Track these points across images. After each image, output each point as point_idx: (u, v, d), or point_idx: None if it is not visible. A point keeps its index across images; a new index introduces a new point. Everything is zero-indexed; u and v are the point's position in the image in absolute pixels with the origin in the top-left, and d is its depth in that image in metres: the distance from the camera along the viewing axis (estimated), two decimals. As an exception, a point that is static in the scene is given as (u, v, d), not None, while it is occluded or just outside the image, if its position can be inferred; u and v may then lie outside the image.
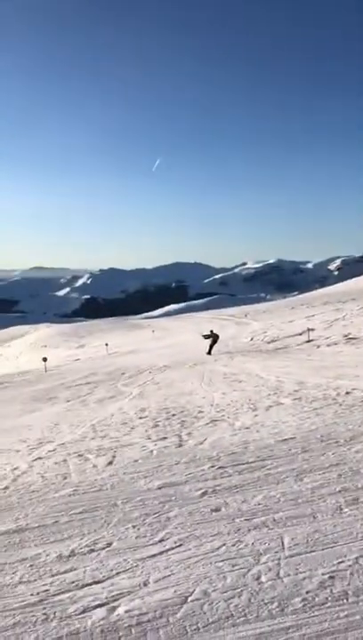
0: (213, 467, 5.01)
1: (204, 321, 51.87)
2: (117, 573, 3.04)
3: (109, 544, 3.47)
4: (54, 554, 3.39)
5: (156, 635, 2.40)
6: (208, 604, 2.61)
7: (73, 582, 2.98)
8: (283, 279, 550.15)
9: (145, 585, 2.86)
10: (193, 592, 2.73)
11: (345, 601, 2.54)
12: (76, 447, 6.74)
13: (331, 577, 2.77)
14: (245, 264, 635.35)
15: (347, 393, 8.62)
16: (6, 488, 5.10)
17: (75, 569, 3.15)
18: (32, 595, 2.88)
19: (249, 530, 3.46)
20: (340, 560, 2.94)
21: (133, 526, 3.73)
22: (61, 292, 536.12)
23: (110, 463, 5.66)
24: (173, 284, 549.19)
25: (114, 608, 2.65)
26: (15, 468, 5.91)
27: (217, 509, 3.89)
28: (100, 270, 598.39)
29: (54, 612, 2.67)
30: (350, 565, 2.87)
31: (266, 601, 2.59)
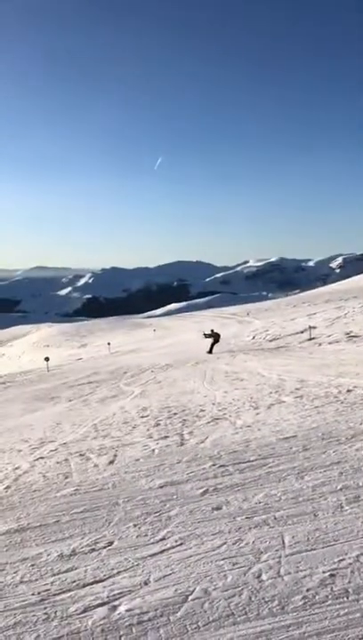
0: (214, 465, 5.01)
1: (206, 320, 51.90)
2: (118, 572, 3.05)
3: (110, 543, 3.47)
4: (55, 553, 3.40)
5: (156, 633, 2.40)
6: (209, 602, 2.61)
7: (74, 581, 2.99)
8: (285, 277, 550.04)
9: (146, 584, 2.87)
10: (194, 591, 2.73)
11: (346, 599, 2.54)
12: (78, 446, 6.75)
13: (332, 575, 2.77)
14: (246, 262, 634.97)
15: (348, 391, 8.61)
16: (8, 487, 5.11)
17: (76, 568, 3.16)
18: (33, 594, 2.88)
19: (250, 528, 3.46)
20: (341, 558, 2.94)
21: (135, 525, 3.73)
22: (63, 292, 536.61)
23: (112, 462, 5.66)
24: (175, 283, 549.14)
25: (115, 607, 2.65)
26: (17, 468, 5.92)
27: (218, 508, 3.89)
28: (102, 269, 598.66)
29: (55, 612, 2.67)
30: (350, 563, 2.87)
31: (267, 599, 2.59)
